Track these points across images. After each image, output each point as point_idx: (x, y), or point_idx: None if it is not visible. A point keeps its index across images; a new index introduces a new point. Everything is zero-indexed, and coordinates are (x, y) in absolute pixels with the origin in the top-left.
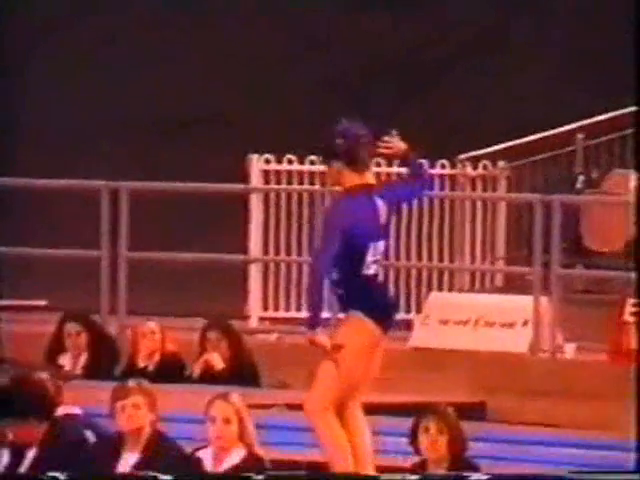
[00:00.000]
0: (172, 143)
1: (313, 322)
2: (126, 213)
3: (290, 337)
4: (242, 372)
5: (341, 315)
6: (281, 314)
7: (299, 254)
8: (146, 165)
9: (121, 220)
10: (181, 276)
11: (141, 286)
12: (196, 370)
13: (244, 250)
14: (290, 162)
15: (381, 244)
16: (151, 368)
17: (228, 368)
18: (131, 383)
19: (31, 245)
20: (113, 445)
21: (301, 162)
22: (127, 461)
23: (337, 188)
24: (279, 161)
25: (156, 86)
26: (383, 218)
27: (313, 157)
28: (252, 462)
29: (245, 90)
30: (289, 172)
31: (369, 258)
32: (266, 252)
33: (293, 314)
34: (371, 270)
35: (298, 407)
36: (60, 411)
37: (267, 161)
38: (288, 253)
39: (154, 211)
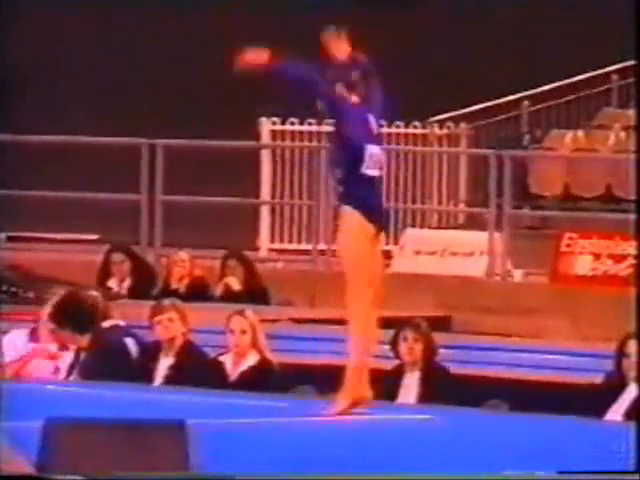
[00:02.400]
0: (197, 106)
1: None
2: (161, 164)
3: (293, 264)
4: (255, 293)
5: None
6: (285, 246)
7: (300, 198)
8: (175, 125)
9: (157, 170)
10: (206, 215)
11: (173, 223)
12: (218, 291)
13: (256, 194)
14: (292, 124)
15: (376, 149)
16: (182, 290)
17: (243, 289)
18: (166, 302)
19: (84, 190)
20: (152, 351)
21: (301, 124)
22: (163, 364)
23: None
24: (284, 123)
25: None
26: (374, 127)
27: (311, 120)
28: (264, 365)
29: None
30: (292, 132)
31: (366, 158)
32: (274, 196)
33: (295, 246)
34: (369, 171)
35: (299, 321)
36: (107, 323)
37: (274, 123)
38: (291, 197)
39: (184, 162)
